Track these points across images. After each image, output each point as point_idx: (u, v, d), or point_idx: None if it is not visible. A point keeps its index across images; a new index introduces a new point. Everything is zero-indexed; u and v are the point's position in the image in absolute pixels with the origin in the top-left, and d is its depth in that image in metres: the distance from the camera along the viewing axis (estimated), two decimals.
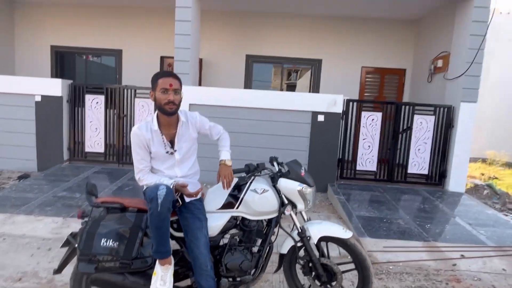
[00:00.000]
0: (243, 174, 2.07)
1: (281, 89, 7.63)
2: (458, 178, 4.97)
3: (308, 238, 2.06)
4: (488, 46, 4.85)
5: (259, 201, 2.02)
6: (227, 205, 2.03)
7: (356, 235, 3.22)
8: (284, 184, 2.06)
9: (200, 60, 6.56)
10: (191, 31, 4.97)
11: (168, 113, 1.88)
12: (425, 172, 5.14)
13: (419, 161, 5.11)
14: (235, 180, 2.06)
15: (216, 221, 2.00)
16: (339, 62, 6.88)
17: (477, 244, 3.27)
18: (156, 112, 1.94)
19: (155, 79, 1.88)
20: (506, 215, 4.54)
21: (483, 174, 7.01)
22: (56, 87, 5.12)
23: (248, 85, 7.06)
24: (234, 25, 6.93)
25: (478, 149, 8.23)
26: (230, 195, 2.04)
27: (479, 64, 4.76)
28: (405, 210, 4.08)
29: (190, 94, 4.76)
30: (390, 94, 6.96)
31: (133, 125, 5.15)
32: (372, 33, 6.79)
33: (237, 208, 2.02)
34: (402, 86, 6.91)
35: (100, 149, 5.36)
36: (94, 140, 5.35)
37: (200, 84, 6.62)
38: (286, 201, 2.06)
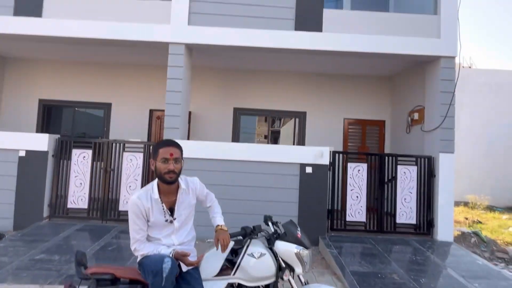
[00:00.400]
0: (239, 237, 2.05)
1: (266, 135, 7.83)
2: (445, 227, 5.05)
3: None
4: (456, 96, 5.25)
5: (256, 266, 1.98)
6: (224, 271, 1.97)
7: None
8: (281, 247, 2.05)
9: (189, 113, 6.74)
10: (182, 88, 5.18)
11: (168, 182, 1.89)
12: (413, 221, 5.20)
13: (406, 210, 5.20)
14: (231, 243, 2.03)
15: None
16: (322, 114, 7.24)
17: None
18: (156, 180, 1.95)
19: (156, 148, 1.92)
20: (496, 265, 4.57)
21: (467, 218, 7.14)
22: (42, 142, 5.05)
23: (235, 136, 7.22)
24: (222, 80, 7.28)
25: (459, 193, 8.51)
26: (226, 259, 2.00)
27: (452, 117, 5.13)
28: (398, 263, 4.04)
29: None
30: (372, 144, 7.27)
31: (120, 179, 5.16)
32: (352, 88, 7.28)
33: (234, 274, 1.96)
34: (383, 136, 7.26)
35: (84, 204, 5.16)
36: (78, 195, 5.17)
37: (189, 136, 6.71)
38: (283, 265, 2.03)
